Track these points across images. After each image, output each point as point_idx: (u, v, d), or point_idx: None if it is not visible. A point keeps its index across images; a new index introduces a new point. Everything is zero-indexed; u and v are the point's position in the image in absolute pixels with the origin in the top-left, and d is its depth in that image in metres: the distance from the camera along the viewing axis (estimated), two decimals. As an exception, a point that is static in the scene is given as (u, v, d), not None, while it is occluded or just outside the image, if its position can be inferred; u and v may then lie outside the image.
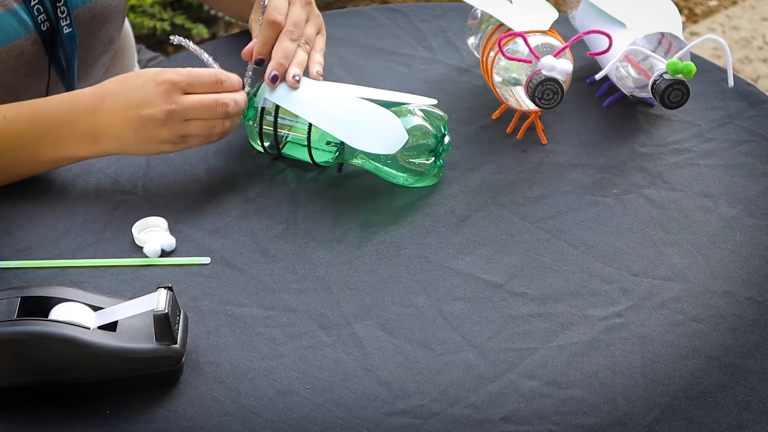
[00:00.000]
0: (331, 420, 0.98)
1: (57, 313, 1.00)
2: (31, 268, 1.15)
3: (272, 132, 1.23)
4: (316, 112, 1.20)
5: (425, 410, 0.99)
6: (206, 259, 1.15)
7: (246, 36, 1.43)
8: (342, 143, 1.21)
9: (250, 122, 1.24)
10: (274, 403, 1.00)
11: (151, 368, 1.00)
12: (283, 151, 1.25)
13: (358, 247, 1.16)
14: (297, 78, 1.23)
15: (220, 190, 1.24)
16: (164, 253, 1.16)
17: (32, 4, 1.29)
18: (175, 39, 1.24)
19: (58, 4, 1.31)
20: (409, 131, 1.18)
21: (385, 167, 1.20)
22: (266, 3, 1.28)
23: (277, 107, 1.23)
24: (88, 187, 1.25)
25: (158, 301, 1.00)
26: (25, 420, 0.99)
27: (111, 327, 1.00)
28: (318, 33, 1.33)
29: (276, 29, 1.27)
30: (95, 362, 0.98)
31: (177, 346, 1.00)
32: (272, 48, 1.27)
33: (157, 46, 2.64)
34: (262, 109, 1.23)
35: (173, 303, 1.01)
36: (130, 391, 1.00)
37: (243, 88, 1.23)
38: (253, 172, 1.26)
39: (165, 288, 1.01)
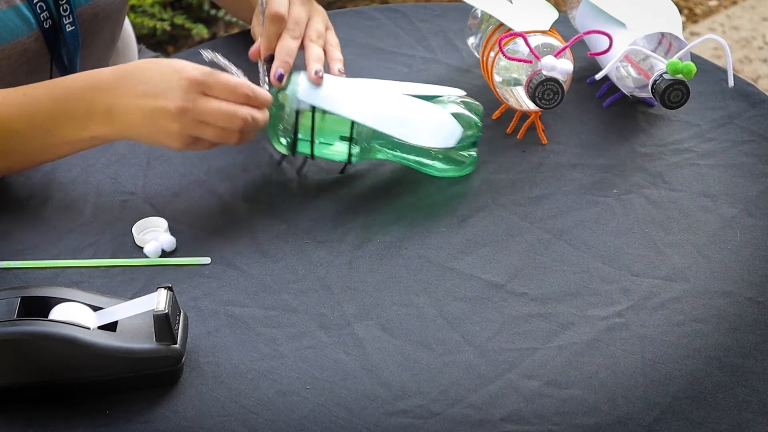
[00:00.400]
0: (331, 420, 0.98)
1: (57, 313, 1.00)
2: (31, 268, 1.15)
3: (307, 133, 1.20)
4: (364, 111, 1.18)
5: (425, 410, 0.98)
6: (206, 259, 1.15)
7: (246, 36, 1.43)
8: (352, 137, 1.20)
9: (280, 126, 1.20)
10: (274, 403, 1.00)
11: (151, 368, 1.00)
12: (315, 153, 1.22)
13: (358, 247, 1.16)
14: (320, 74, 1.21)
15: (220, 190, 1.24)
16: (164, 253, 1.16)
17: (35, 1, 1.28)
18: (207, 54, 1.20)
19: (60, 2, 1.30)
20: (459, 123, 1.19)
21: (424, 160, 1.20)
22: (265, 5, 1.27)
23: (313, 110, 1.19)
24: (88, 187, 1.25)
25: (158, 301, 1.00)
26: (25, 420, 0.99)
27: (111, 327, 1.00)
28: (327, 29, 1.32)
29: (280, 23, 1.25)
30: (95, 362, 0.98)
31: (177, 346, 1.00)
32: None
33: (157, 46, 2.65)
34: (297, 111, 1.19)
35: (173, 303, 1.01)
36: (130, 391, 1.00)
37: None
38: (253, 172, 1.26)
39: (165, 288, 1.01)
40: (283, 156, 1.26)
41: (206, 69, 1.16)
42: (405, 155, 1.21)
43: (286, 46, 1.24)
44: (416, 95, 1.21)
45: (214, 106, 1.14)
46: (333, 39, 1.31)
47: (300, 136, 1.20)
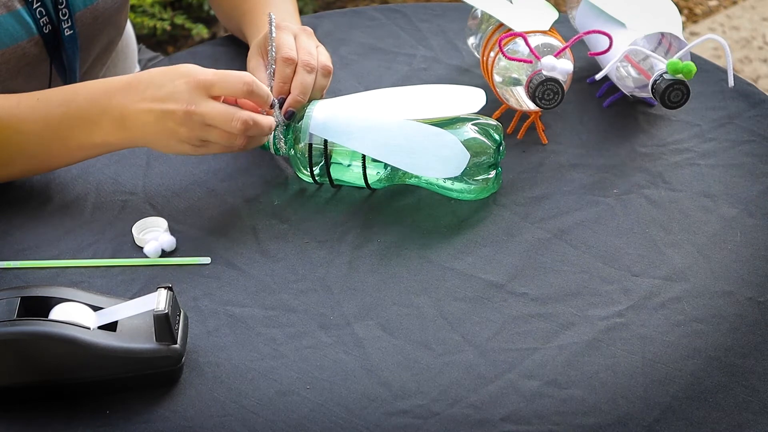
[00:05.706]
0: (331, 420, 0.98)
1: (57, 313, 1.00)
2: (31, 268, 1.15)
3: (322, 162, 1.20)
4: (371, 144, 1.17)
5: (425, 410, 0.98)
6: (206, 259, 1.15)
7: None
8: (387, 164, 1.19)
9: (291, 152, 1.21)
10: (274, 403, 1.00)
11: (151, 368, 1.00)
12: (334, 178, 1.22)
13: (358, 247, 1.16)
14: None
15: (220, 190, 1.24)
16: (164, 253, 1.16)
17: (34, 6, 1.28)
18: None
19: (59, 7, 1.30)
20: (468, 150, 1.16)
21: (446, 185, 1.19)
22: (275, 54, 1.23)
23: (325, 143, 1.19)
24: (88, 187, 1.25)
25: (158, 301, 1.00)
26: (25, 420, 0.99)
27: (111, 327, 1.00)
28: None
29: (292, 65, 1.23)
30: (95, 362, 0.98)
31: (177, 346, 1.00)
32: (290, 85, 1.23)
33: (157, 46, 2.65)
34: (310, 144, 1.19)
35: (173, 303, 1.01)
36: (130, 391, 1.00)
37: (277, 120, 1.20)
38: (253, 172, 1.26)
39: (165, 288, 1.01)
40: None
41: (211, 70, 1.16)
42: (423, 180, 1.20)
43: (302, 82, 1.22)
44: (431, 118, 1.18)
45: (217, 108, 1.15)
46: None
47: (318, 167, 1.21)
